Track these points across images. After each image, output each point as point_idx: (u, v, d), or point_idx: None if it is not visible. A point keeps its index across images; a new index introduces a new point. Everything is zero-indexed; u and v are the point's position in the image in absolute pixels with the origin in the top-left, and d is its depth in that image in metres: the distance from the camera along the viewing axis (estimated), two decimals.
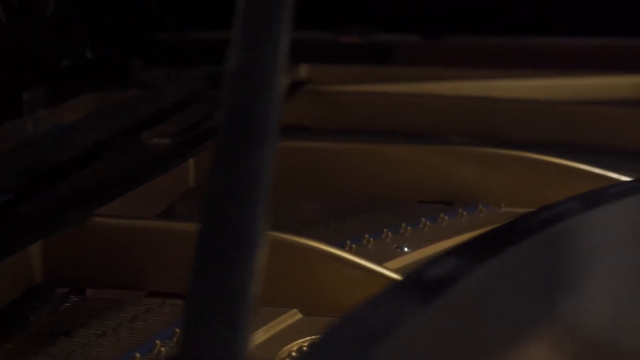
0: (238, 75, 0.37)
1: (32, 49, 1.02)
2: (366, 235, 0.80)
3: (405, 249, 0.78)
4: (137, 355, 0.61)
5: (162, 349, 0.62)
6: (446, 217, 0.85)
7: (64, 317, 0.67)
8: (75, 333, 0.64)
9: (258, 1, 0.38)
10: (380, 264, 0.73)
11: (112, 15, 1.25)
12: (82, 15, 1.16)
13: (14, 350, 0.63)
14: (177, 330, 0.64)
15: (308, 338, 0.64)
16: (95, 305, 0.69)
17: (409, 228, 0.82)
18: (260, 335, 0.65)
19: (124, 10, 1.26)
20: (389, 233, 0.81)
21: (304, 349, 0.63)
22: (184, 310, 0.34)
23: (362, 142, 0.97)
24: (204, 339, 0.33)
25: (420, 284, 0.40)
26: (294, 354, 0.63)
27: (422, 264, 0.43)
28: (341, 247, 0.79)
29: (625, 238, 0.50)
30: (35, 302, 0.69)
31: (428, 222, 0.84)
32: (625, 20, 1.30)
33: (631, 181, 0.79)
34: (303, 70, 1.35)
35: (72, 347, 0.62)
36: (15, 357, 0.63)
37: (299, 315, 0.67)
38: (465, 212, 0.87)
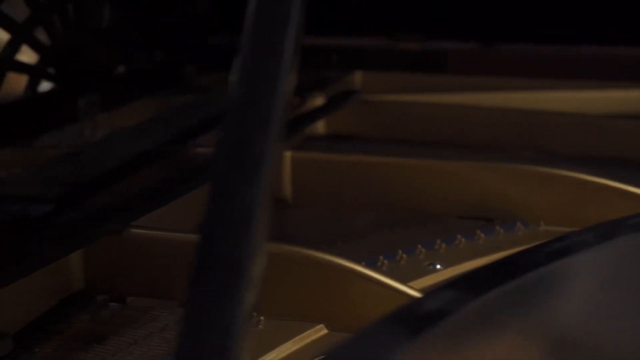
0: (237, 109, 0.38)
1: (89, 56, 1.06)
2: (399, 252, 0.81)
3: (438, 267, 0.79)
4: None
5: None
6: (483, 235, 0.85)
7: (101, 324, 0.70)
8: (108, 341, 0.67)
9: (259, 40, 0.40)
10: (410, 281, 0.73)
11: (167, 22, 1.29)
12: (137, 22, 1.19)
13: (52, 355, 0.67)
14: None
15: None
16: (130, 313, 0.72)
17: (444, 245, 0.83)
18: (285, 349, 0.66)
19: (179, 16, 1.29)
20: (423, 249, 0.81)
21: None
22: (176, 340, 0.36)
23: (405, 157, 0.97)
24: (198, 352, 0.35)
25: (411, 318, 0.40)
26: None
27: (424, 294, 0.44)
28: (374, 262, 0.80)
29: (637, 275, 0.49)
30: (75, 308, 0.72)
31: (463, 239, 0.84)
32: None
33: None
34: (357, 77, 1.36)
35: (103, 355, 0.65)
36: None
37: (325, 331, 0.68)
38: (502, 230, 0.86)
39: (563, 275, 0.47)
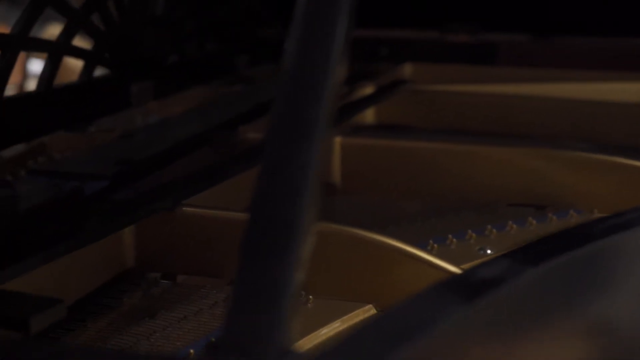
0: (291, 74, 0.39)
1: (143, 43, 1.08)
2: (450, 236, 0.80)
3: (488, 252, 0.78)
4: (213, 339, 0.63)
5: None
6: (534, 221, 0.84)
7: (152, 300, 0.71)
8: (159, 315, 0.68)
9: (315, 2, 0.40)
10: (461, 265, 0.73)
11: (219, 13, 1.30)
12: (190, 12, 1.21)
13: (104, 329, 0.68)
14: None
15: None
16: (180, 290, 0.72)
17: (494, 230, 0.82)
18: (333, 328, 0.66)
19: (230, 8, 1.30)
20: (473, 234, 0.81)
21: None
22: (231, 296, 0.36)
23: (455, 143, 0.97)
24: (247, 325, 0.35)
25: (467, 284, 0.40)
26: None
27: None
28: (424, 246, 0.80)
29: None
30: (127, 285, 0.73)
31: (515, 226, 0.83)
32: None
33: None
34: (407, 69, 1.35)
35: (154, 328, 0.66)
36: (107, 335, 0.67)
37: (373, 311, 0.68)
38: (555, 217, 0.85)
39: (619, 250, 0.47)
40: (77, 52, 0.97)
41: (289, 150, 0.37)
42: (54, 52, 0.91)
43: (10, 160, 0.88)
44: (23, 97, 0.90)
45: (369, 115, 1.17)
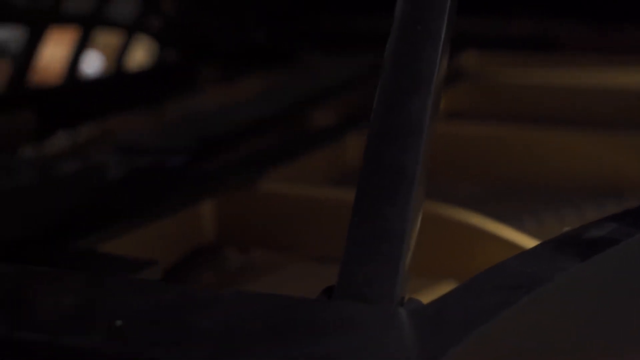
0: (403, 24, 0.38)
1: (210, 29, 1.08)
2: (526, 218, 0.78)
3: None
4: None
5: None
6: (610, 207, 0.82)
7: (229, 274, 0.71)
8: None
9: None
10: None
11: (279, 2, 1.30)
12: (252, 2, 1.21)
13: None
14: None
15: None
16: (257, 265, 0.72)
17: (572, 215, 0.80)
18: None
19: None
20: (550, 219, 0.79)
21: None
22: (346, 243, 0.35)
23: (528, 129, 0.95)
24: (362, 273, 0.34)
25: (580, 242, 0.39)
26: None
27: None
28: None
29: None
30: (204, 259, 0.73)
31: (592, 211, 0.81)
32: None
33: None
34: (471, 57, 1.34)
35: None
36: None
37: None
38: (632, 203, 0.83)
39: None
40: (150, 32, 0.98)
41: (403, 99, 0.36)
42: (130, 31, 0.91)
43: (88, 139, 0.89)
44: (100, 79, 0.90)
45: None
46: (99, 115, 0.90)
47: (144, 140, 0.74)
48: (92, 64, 1.64)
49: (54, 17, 0.79)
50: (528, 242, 0.67)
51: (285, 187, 0.73)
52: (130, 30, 0.93)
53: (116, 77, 0.92)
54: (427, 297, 0.66)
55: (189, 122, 0.83)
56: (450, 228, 0.68)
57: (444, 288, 0.67)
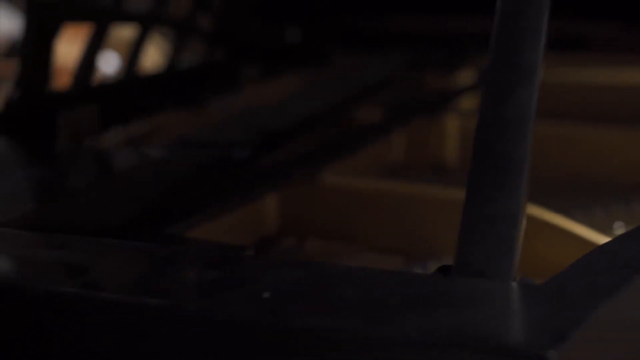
0: (506, 20, 0.40)
1: (251, 29, 1.11)
2: (582, 212, 0.80)
3: (620, 230, 0.78)
4: None
5: None
6: None
7: None
8: None
9: None
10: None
11: (312, 2, 1.33)
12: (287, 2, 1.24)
13: None
14: None
15: None
16: (314, 255, 0.74)
17: (621, 209, 0.82)
18: None
19: None
20: (601, 212, 0.81)
21: None
22: (460, 225, 0.38)
23: (572, 125, 0.97)
24: (479, 251, 0.37)
25: None
26: None
27: None
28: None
29: None
30: (267, 251, 0.75)
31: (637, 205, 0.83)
32: None
33: None
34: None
35: None
36: None
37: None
38: None
39: None
40: (199, 34, 1.01)
41: (510, 92, 0.39)
42: (180, 31, 0.94)
43: (140, 134, 0.92)
44: (149, 76, 0.93)
45: (467, 103, 1.18)
46: (152, 111, 0.93)
47: (206, 134, 0.76)
48: (111, 63, 1.67)
49: (115, 16, 0.82)
50: (593, 235, 0.68)
51: (344, 179, 0.76)
52: (181, 30, 0.95)
53: (166, 74, 0.95)
54: None
55: (245, 117, 0.86)
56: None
57: None
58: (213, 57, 1.04)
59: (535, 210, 0.70)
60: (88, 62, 0.80)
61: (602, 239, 0.67)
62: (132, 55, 0.87)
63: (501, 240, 0.37)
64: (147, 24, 0.87)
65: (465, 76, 1.22)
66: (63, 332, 0.34)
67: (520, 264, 0.38)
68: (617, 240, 0.41)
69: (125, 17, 0.84)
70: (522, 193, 0.38)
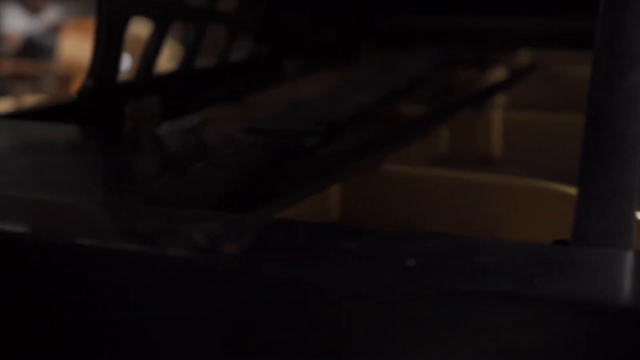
0: (611, 7, 0.43)
1: (293, 24, 1.13)
2: None
3: None
4: None
5: None
6: None
7: None
8: None
9: None
10: None
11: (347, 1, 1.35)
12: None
13: None
14: None
15: None
16: None
17: None
18: None
19: None
20: None
21: None
22: (577, 200, 0.40)
23: None
24: (597, 224, 0.39)
25: None
26: None
27: None
28: None
29: None
30: None
31: None
32: None
33: None
34: (524, 55, 1.39)
35: None
36: None
37: None
38: None
39: None
40: (246, 30, 1.03)
41: (619, 75, 0.41)
42: (232, 28, 0.96)
43: (192, 127, 0.94)
44: (203, 69, 0.95)
45: (502, 99, 1.21)
46: (207, 103, 0.95)
47: (269, 123, 0.78)
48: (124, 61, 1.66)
49: (176, 11, 0.84)
50: None
51: (406, 168, 0.78)
52: (232, 26, 0.98)
53: (218, 68, 0.97)
54: None
55: (301, 108, 0.88)
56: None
57: None
58: (259, 52, 1.06)
59: None
60: (151, 54, 0.82)
61: None
62: (189, 50, 0.90)
63: (617, 214, 0.39)
64: (204, 20, 0.89)
65: (497, 72, 1.25)
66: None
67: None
68: None
69: (185, 12, 0.86)
70: (636, 169, 0.40)
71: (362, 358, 0.34)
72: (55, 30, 4.07)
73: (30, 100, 3.40)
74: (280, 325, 0.36)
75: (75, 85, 3.88)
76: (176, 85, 0.89)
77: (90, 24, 4.43)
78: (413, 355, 0.34)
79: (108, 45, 0.75)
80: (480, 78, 1.22)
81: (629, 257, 0.38)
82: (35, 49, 3.83)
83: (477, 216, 0.74)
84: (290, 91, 1.13)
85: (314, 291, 0.35)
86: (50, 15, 4.33)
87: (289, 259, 0.37)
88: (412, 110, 0.99)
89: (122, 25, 0.76)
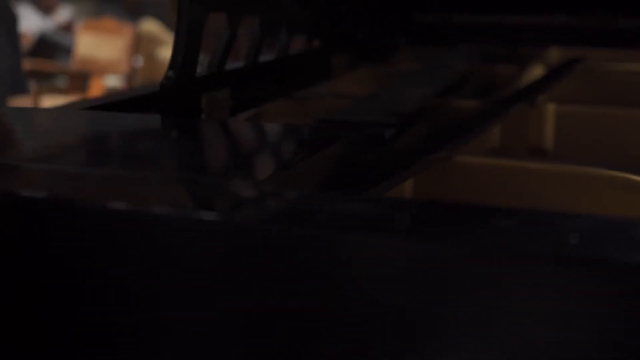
0: None
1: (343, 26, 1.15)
2: None
3: None
4: None
5: None
6: None
7: None
8: None
9: None
10: None
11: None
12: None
13: None
14: None
15: None
16: None
17: None
18: None
19: None
20: None
21: None
22: None
23: None
24: None
25: None
26: None
27: None
28: None
29: None
30: None
31: None
32: None
33: None
34: (554, 53, 1.41)
35: None
36: None
37: None
38: None
39: None
40: (304, 25, 1.05)
41: None
42: (292, 24, 0.98)
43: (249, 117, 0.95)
44: (264, 64, 0.97)
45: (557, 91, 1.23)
46: (269, 97, 0.97)
47: (340, 115, 0.80)
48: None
49: (247, 8, 0.86)
50: None
51: (479, 159, 0.80)
52: (292, 22, 1.00)
53: (277, 62, 0.99)
54: None
55: (366, 101, 0.90)
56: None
57: None
58: (311, 48, 1.08)
59: None
60: (224, 49, 0.84)
61: None
62: (255, 46, 0.92)
63: None
64: (269, 17, 0.92)
65: (535, 68, 1.27)
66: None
67: None
68: None
69: (254, 9, 0.88)
70: None
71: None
72: (67, 29, 4.07)
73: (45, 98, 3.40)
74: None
75: (90, 84, 3.90)
76: (243, 79, 0.91)
77: (103, 24, 4.43)
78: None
79: (188, 40, 0.77)
80: (520, 74, 1.24)
81: None
82: (48, 48, 3.84)
83: (549, 206, 0.76)
84: (335, 86, 1.15)
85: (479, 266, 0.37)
86: (63, 14, 4.33)
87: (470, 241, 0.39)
88: (467, 104, 1.01)
89: (200, 23, 0.78)
